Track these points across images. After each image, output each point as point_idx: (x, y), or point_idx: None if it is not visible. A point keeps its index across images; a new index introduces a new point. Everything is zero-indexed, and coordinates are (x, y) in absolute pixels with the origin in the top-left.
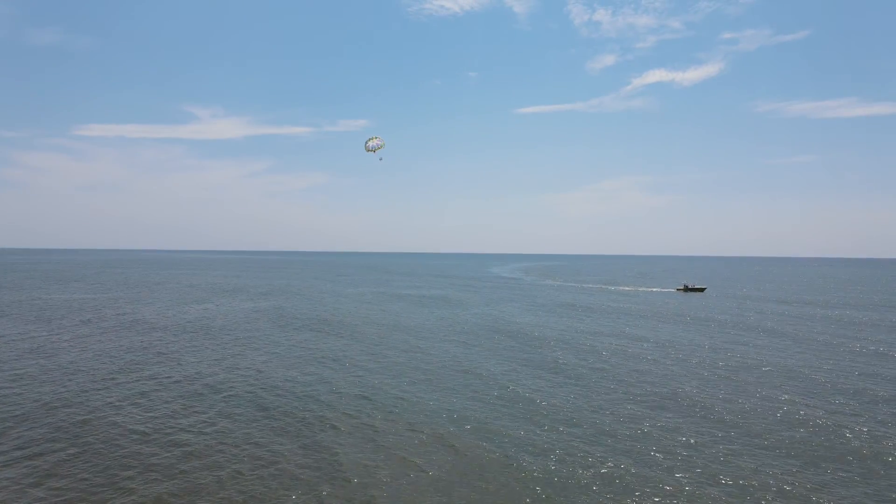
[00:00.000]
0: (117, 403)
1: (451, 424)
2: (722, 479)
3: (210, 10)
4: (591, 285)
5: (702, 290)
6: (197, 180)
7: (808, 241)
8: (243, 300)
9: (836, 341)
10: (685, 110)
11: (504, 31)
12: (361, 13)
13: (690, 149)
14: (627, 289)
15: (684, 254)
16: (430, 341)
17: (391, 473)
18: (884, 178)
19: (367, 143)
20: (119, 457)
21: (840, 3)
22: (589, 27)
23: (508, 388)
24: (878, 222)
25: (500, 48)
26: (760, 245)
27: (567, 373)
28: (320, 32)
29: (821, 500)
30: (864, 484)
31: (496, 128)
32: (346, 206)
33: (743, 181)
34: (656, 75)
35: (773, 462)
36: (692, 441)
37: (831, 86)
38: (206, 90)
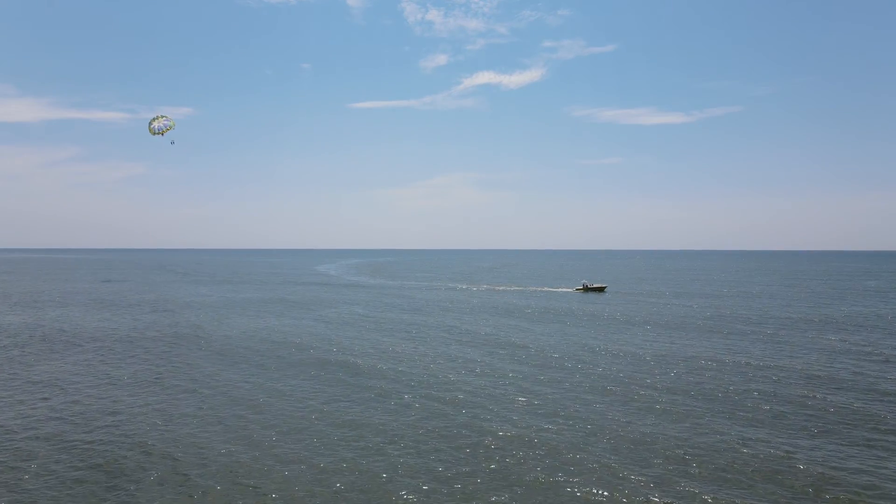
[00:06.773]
0: None
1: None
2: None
3: None
4: (444, 283)
5: (602, 289)
6: None
7: (618, 237)
8: None
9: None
10: (512, 111)
11: (339, 24)
12: None
13: (517, 148)
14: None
15: (515, 248)
16: None
17: None
18: (672, 179)
19: (150, 123)
20: None
21: (641, 23)
22: (422, 26)
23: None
24: (670, 218)
25: (334, 41)
26: (582, 239)
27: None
28: (136, 9)
29: None
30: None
31: (330, 122)
32: (167, 200)
33: (563, 179)
34: (485, 77)
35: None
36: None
37: (633, 96)
38: None
